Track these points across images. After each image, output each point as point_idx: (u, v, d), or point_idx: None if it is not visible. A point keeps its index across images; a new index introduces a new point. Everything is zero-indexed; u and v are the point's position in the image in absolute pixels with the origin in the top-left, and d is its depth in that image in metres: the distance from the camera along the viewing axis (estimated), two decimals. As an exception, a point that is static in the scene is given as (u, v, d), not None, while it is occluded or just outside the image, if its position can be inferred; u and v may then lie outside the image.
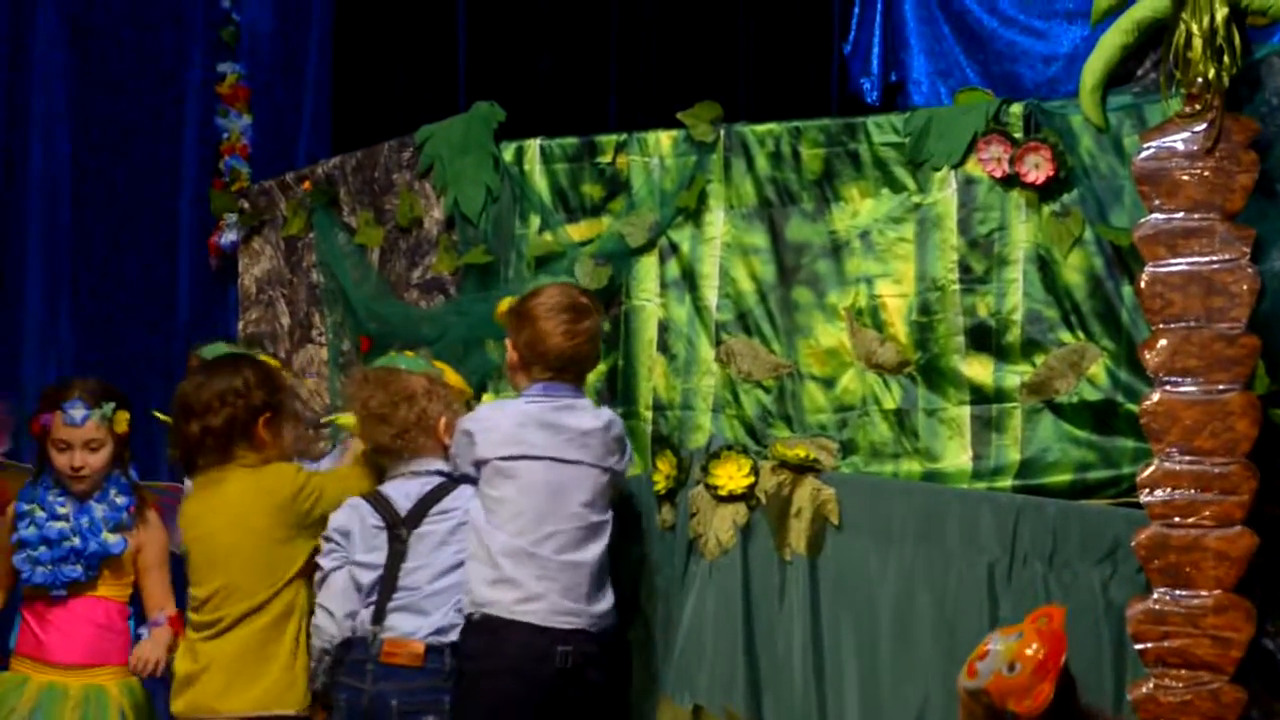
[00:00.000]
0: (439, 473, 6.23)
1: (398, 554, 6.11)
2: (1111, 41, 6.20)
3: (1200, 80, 5.92)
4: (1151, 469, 5.85)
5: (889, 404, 6.53)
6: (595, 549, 6.06)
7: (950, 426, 6.47)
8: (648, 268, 6.84)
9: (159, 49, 8.76)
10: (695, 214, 6.76)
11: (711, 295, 6.75)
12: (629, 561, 6.34)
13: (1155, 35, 6.13)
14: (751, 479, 6.14)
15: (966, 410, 6.45)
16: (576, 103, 8.03)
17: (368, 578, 6.11)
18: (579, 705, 6.00)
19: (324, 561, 6.19)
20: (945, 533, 6.06)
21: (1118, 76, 6.25)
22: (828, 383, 6.60)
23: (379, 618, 6.05)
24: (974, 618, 5.94)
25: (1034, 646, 5.30)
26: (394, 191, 7.13)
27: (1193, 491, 5.80)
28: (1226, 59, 5.90)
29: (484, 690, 5.87)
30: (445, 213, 7.05)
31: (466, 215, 6.99)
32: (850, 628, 6.04)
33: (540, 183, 6.94)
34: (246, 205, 7.54)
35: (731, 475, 6.14)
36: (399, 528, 6.12)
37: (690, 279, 6.78)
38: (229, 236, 7.64)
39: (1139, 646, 5.79)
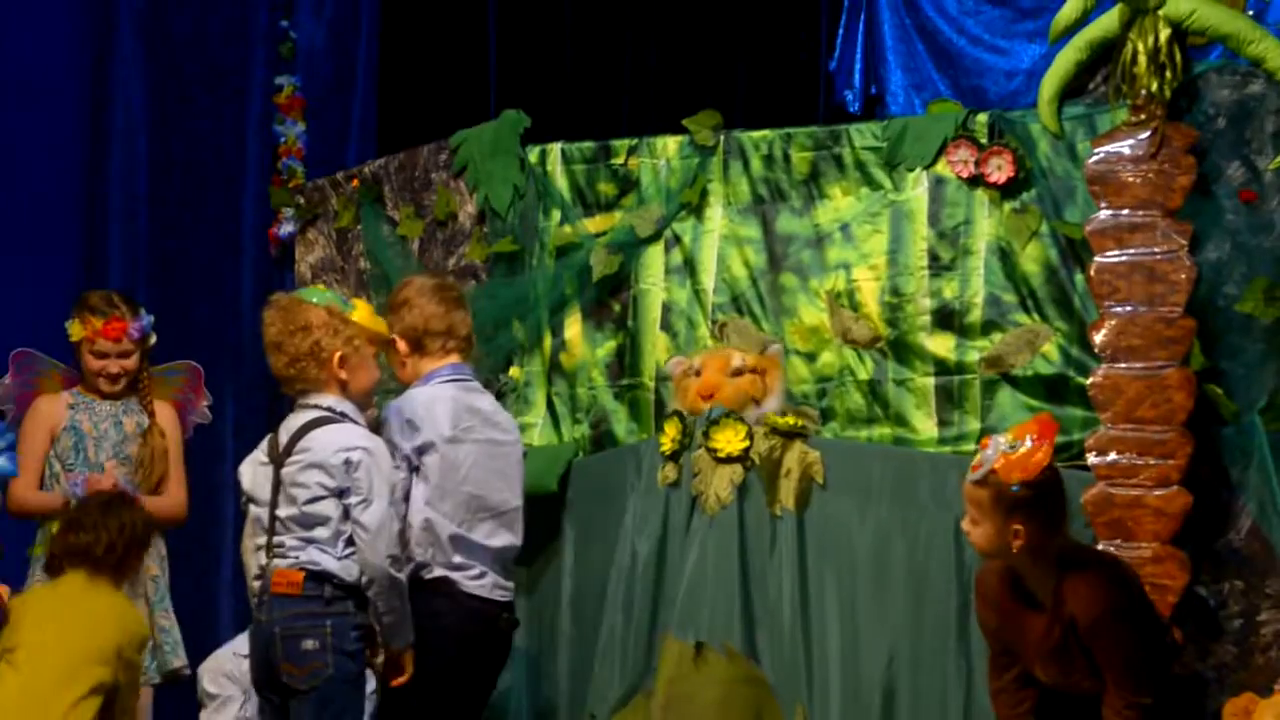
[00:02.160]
0: (328, 409, 5.72)
1: (276, 489, 5.69)
2: (1066, 58, 6.20)
3: (1145, 93, 6.02)
4: (1098, 435, 5.96)
5: (863, 375, 6.49)
6: (520, 533, 5.94)
7: (917, 395, 6.43)
8: (654, 256, 6.78)
9: (225, 64, 8.75)
10: (697, 209, 6.71)
11: (709, 280, 6.69)
12: (636, 515, 6.29)
13: (1105, 53, 6.17)
14: (747, 443, 6.10)
15: (931, 381, 6.42)
16: (593, 111, 8.09)
17: (259, 513, 5.74)
18: (500, 661, 5.95)
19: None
20: (917, 491, 6.07)
21: (1072, 89, 6.23)
22: (810, 356, 6.54)
23: (269, 551, 5.66)
24: (941, 566, 5.97)
25: (1029, 427, 5.40)
26: (432, 189, 7.07)
27: (1134, 456, 5.89)
28: (1169, 74, 6.01)
29: (435, 647, 5.67)
30: (477, 207, 6.96)
31: (496, 210, 6.92)
32: (833, 575, 6.03)
33: (561, 181, 6.88)
34: (302, 201, 7.53)
35: (729, 440, 6.10)
36: (279, 463, 5.72)
37: (691, 266, 6.73)
38: (286, 228, 7.58)
39: None
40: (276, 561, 5.63)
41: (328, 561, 5.55)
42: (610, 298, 6.76)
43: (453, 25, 8.83)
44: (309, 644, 5.54)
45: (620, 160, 6.81)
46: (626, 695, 6.19)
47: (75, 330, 7.00)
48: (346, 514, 5.55)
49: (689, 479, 6.15)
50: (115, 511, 6.36)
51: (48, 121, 8.50)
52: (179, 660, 6.94)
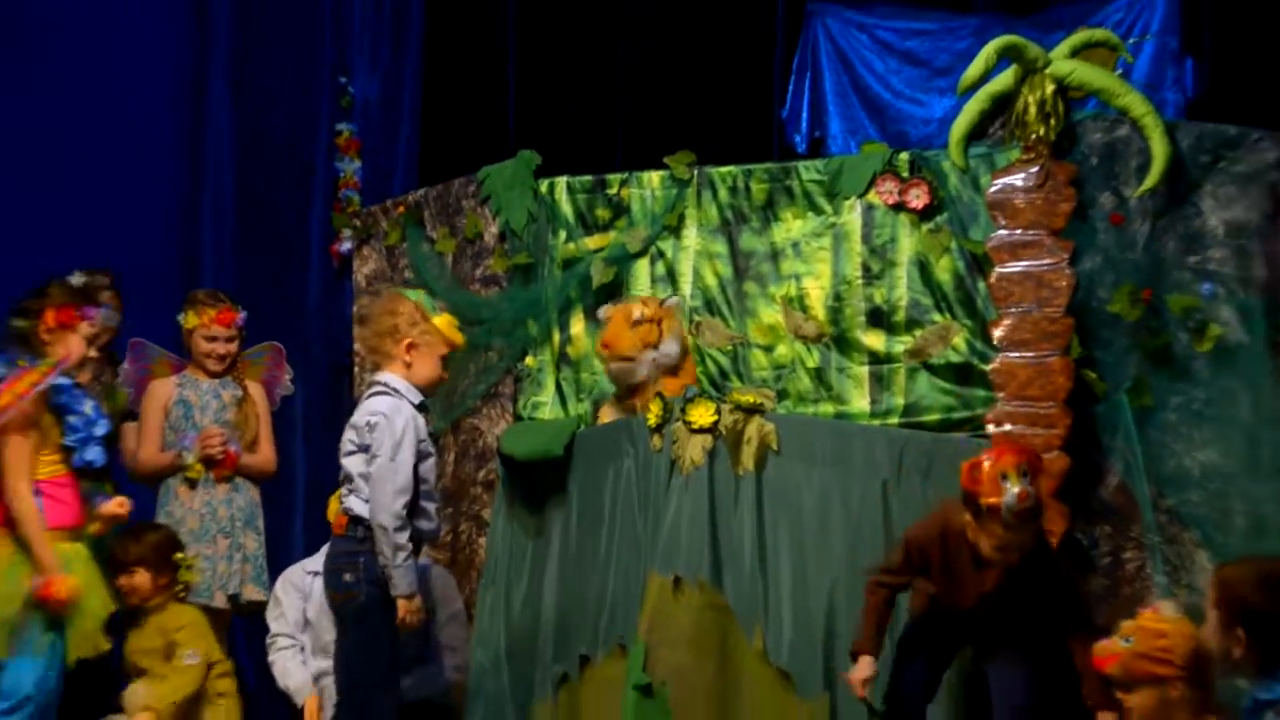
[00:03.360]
0: (384, 384, 5.73)
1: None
2: (971, 109, 6.17)
3: (1034, 136, 6.03)
4: (996, 411, 5.96)
5: (810, 364, 6.47)
6: None
7: (854, 380, 6.41)
8: (641, 268, 6.73)
9: (296, 112, 8.78)
10: (676, 230, 6.67)
11: (687, 287, 6.64)
12: (626, 479, 6.24)
13: (1002, 105, 6.14)
14: (716, 417, 6.04)
15: (865, 369, 6.40)
16: (592, 151, 7.97)
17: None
18: None
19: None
20: (852, 457, 6.02)
21: (976, 133, 6.20)
22: (768, 349, 6.53)
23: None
24: (870, 517, 5.92)
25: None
26: (463, 213, 7.01)
27: (1025, 426, 5.88)
28: (1053, 121, 6.02)
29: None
30: (499, 229, 6.92)
31: (514, 230, 6.87)
32: (784, 523, 5.99)
33: (566, 208, 6.82)
34: (358, 223, 7.49)
35: (702, 414, 6.05)
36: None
37: (671, 276, 6.67)
38: (346, 245, 7.56)
39: None
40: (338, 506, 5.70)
41: (359, 506, 5.58)
42: (607, 301, 6.64)
43: (479, 83, 8.87)
44: (347, 576, 5.60)
45: (614, 190, 6.76)
46: (609, 640, 6.14)
47: (190, 319, 7.09)
48: None
49: (669, 446, 6.07)
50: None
51: (155, 154, 8.60)
52: (258, 592, 6.95)
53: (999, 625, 5.48)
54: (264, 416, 7.18)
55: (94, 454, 6.03)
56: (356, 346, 5.90)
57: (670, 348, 6.41)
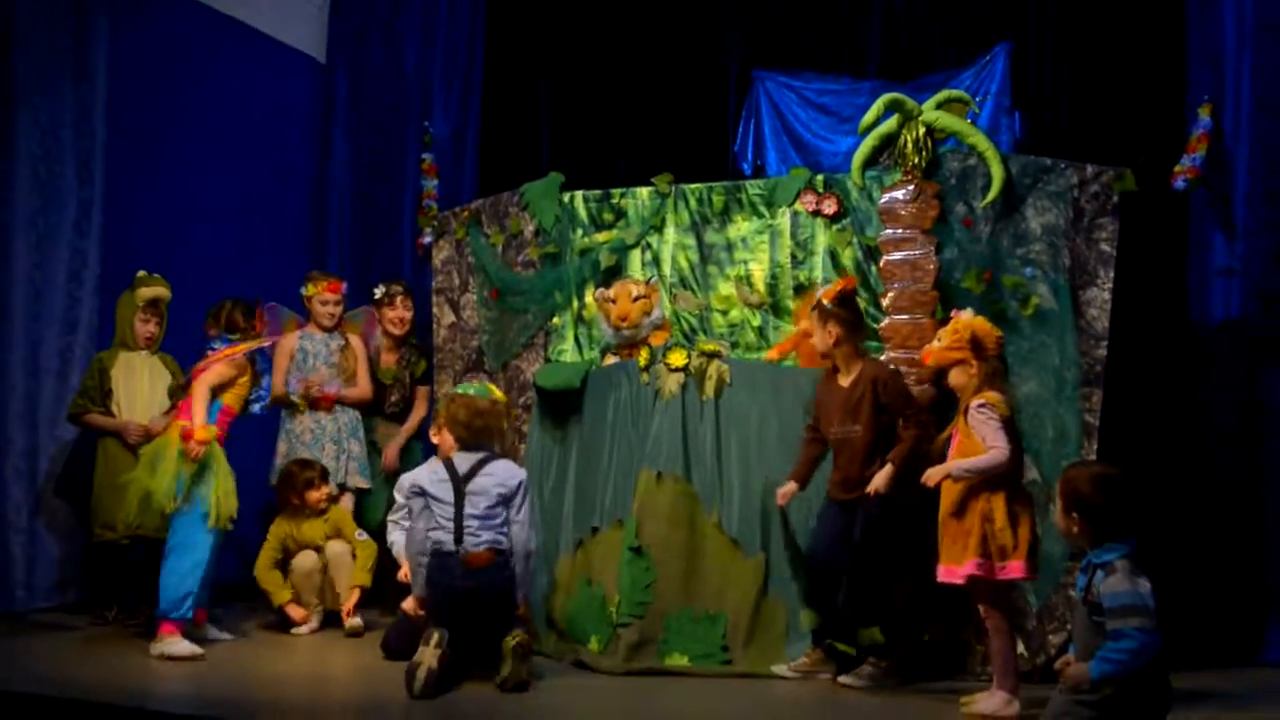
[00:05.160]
0: (488, 449, 5.58)
1: (460, 498, 5.43)
2: (867, 144, 6.13)
3: (911, 164, 6.03)
4: (885, 356, 5.94)
5: (755, 324, 6.44)
6: None
7: (784, 335, 6.34)
8: (635, 256, 6.67)
9: (393, 144, 8.78)
10: (659, 229, 6.62)
11: (668, 269, 6.58)
12: (624, 403, 6.22)
13: (888, 142, 6.11)
14: (687, 360, 6.05)
15: (792, 327, 6.34)
16: (600, 174, 7.94)
17: (440, 509, 5.45)
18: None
19: (412, 503, 5.61)
20: (783, 389, 6.01)
21: (870, 162, 6.16)
22: (724, 312, 6.49)
23: (458, 539, 5.39)
24: (794, 431, 5.88)
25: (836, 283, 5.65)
26: (509, 217, 6.96)
27: (905, 367, 5.87)
28: (924, 154, 6.02)
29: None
30: (535, 227, 6.85)
31: (545, 229, 6.80)
32: (735, 434, 5.98)
33: (582, 212, 6.77)
34: (436, 224, 7.37)
35: (677, 358, 6.06)
36: (460, 482, 5.46)
37: (656, 261, 6.62)
38: (427, 239, 7.56)
39: None
40: (470, 544, 5.45)
41: (505, 541, 5.50)
42: (614, 279, 6.59)
43: (521, 125, 8.69)
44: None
45: (616, 200, 6.71)
46: (611, 516, 6.07)
47: (310, 289, 7.08)
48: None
49: (654, 380, 6.07)
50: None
51: (297, 180, 8.60)
52: (362, 481, 6.96)
53: (854, 452, 5.43)
54: (361, 360, 7.13)
55: (257, 408, 6.26)
56: (467, 427, 5.57)
57: (658, 314, 6.42)
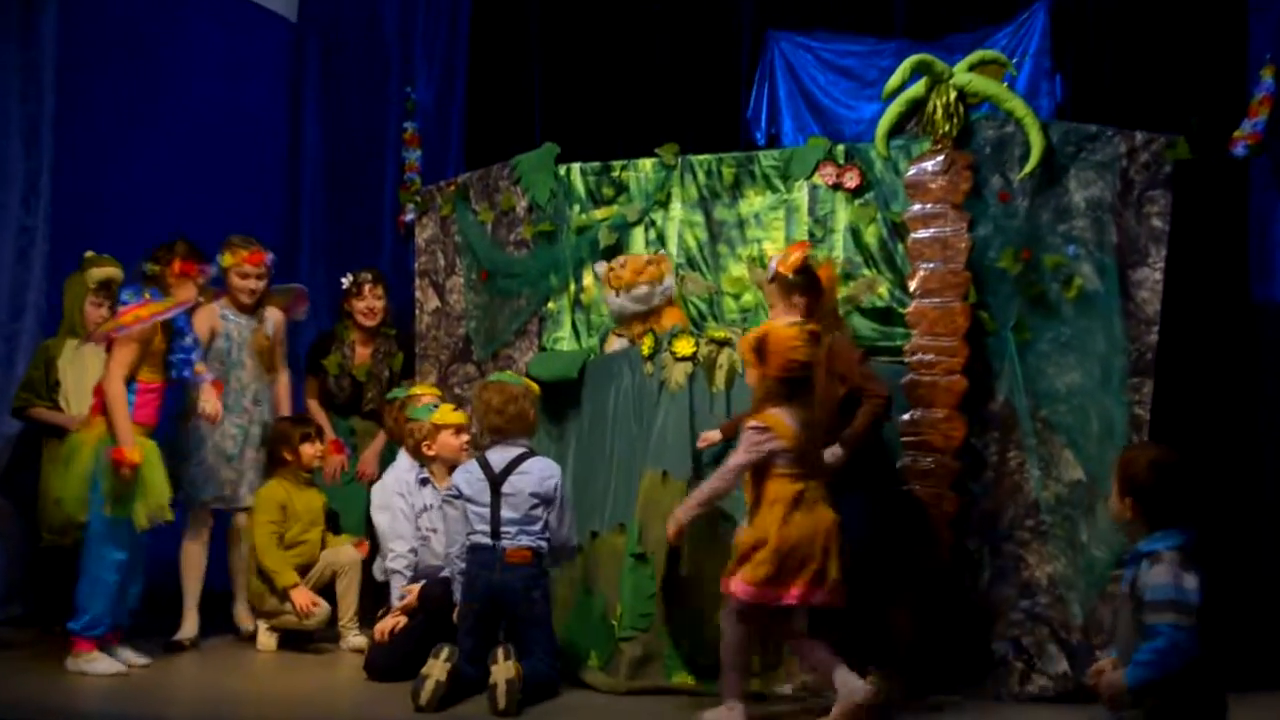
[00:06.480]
0: (524, 445, 5.81)
1: (496, 497, 5.68)
2: (893, 110, 6.11)
3: (941, 133, 6.02)
4: (911, 344, 5.94)
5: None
6: None
7: None
8: (638, 234, 6.64)
9: (372, 114, 8.84)
10: (664, 204, 6.60)
11: (674, 249, 6.55)
12: (626, 396, 6.24)
13: (916, 108, 6.10)
14: (695, 348, 6.06)
15: None
16: (599, 143, 7.82)
17: (477, 511, 5.70)
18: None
19: (447, 509, 5.85)
20: None
21: (895, 130, 6.16)
22: (736, 296, 6.46)
23: (495, 536, 5.64)
24: None
25: (790, 247, 5.76)
26: (500, 191, 6.95)
27: (933, 356, 5.89)
28: (955, 121, 5.99)
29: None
30: (528, 203, 6.84)
31: (539, 204, 6.79)
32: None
33: (579, 186, 6.76)
34: (419, 199, 7.26)
35: (684, 346, 6.07)
36: (496, 481, 5.70)
37: (661, 240, 6.60)
38: (409, 216, 7.49)
39: (904, 439, 5.87)
40: (506, 543, 5.69)
41: (545, 544, 5.78)
42: (611, 259, 6.54)
43: (512, 90, 8.77)
44: (535, 594, 5.70)
45: (616, 173, 6.69)
46: (611, 521, 6.09)
47: (227, 258, 6.81)
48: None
49: (659, 371, 6.09)
50: None
51: (268, 148, 8.67)
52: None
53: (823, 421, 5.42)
54: (278, 339, 7.00)
55: (188, 372, 6.15)
56: (501, 413, 5.77)
57: (669, 282, 6.37)
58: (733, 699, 5.20)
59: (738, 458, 5.24)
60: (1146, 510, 4.17)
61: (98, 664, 5.80)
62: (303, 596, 6.45)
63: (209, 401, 6.32)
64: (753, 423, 5.19)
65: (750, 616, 5.18)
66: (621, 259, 6.41)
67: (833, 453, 5.43)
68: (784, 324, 5.31)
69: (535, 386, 6.01)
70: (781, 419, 5.15)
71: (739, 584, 5.13)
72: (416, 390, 6.61)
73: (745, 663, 5.30)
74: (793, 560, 5.07)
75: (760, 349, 5.22)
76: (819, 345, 5.30)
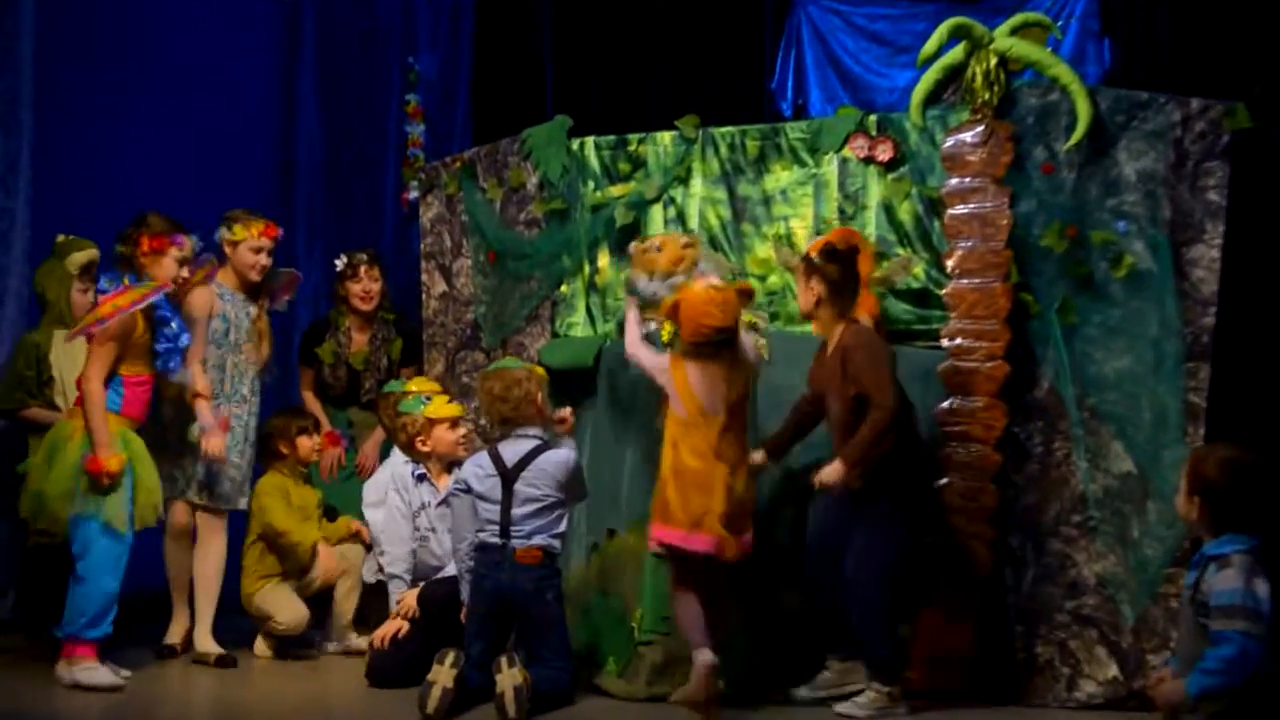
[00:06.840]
0: (537, 437, 5.80)
1: (508, 494, 5.67)
2: (929, 78, 6.10)
3: (980, 101, 5.99)
4: (949, 327, 5.94)
5: (797, 290, 6.28)
6: None
7: None
8: (656, 212, 6.60)
9: (372, 86, 9.00)
10: (684, 180, 6.55)
11: (696, 228, 6.50)
12: (645, 383, 6.04)
13: (954, 75, 6.09)
14: None
15: None
16: (615, 115, 8.01)
17: (487, 508, 5.69)
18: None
19: (454, 503, 5.84)
20: None
21: (931, 99, 6.13)
22: (762, 278, 6.39)
23: (505, 535, 5.63)
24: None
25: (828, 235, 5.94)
26: (509, 167, 6.89)
27: (973, 340, 5.88)
28: (996, 89, 5.97)
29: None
30: (539, 180, 6.80)
31: (551, 181, 6.76)
32: (776, 419, 5.94)
33: (593, 161, 6.71)
34: (423, 176, 7.37)
35: None
36: (509, 477, 5.69)
37: (681, 218, 6.55)
38: (414, 194, 7.58)
39: (942, 429, 5.92)
40: (517, 541, 5.70)
41: (558, 543, 5.83)
42: (629, 240, 6.48)
43: (522, 60, 9.05)
44: (549, 595, 5.69)
45: (633, 148, 6.65)
46: (629, 517, 6.12)
47: (238, 232, 6.68)
48: None
49: None
50: None
51: (257, 122, 8.71)
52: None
53: (839, 433, 5.54)
54: (266, 324, 6.86)
55: (175, 363, 6.06)
56: (505, 399, 5.76)
57: (706, 266, 6.24)
58: (696, 649, 5.33)
59: (640, 353, 5.77)
60: (1215, 511, 4.20)
61: (96, 675, 5.71)
62: (328, 558, 6.59)
63: (213, 442, 6.28)
64: (665, 359, 5.62)
65: (678, 568, 5.40)
66: (656, 241, 6.31)
67: (833, 470, 5.44)
68: (700, 287, 5.51)
69: (540, 370, 6.03)
70: (684, 372, 5.45)
71: (655, 527, 5.43)
72: (412, 386, 6.57)
73: (695, 615, 5.39)
74: (694, 504, 5.32)
75: (673, 314, 5.50)
76: (749, 302, 5.66)
